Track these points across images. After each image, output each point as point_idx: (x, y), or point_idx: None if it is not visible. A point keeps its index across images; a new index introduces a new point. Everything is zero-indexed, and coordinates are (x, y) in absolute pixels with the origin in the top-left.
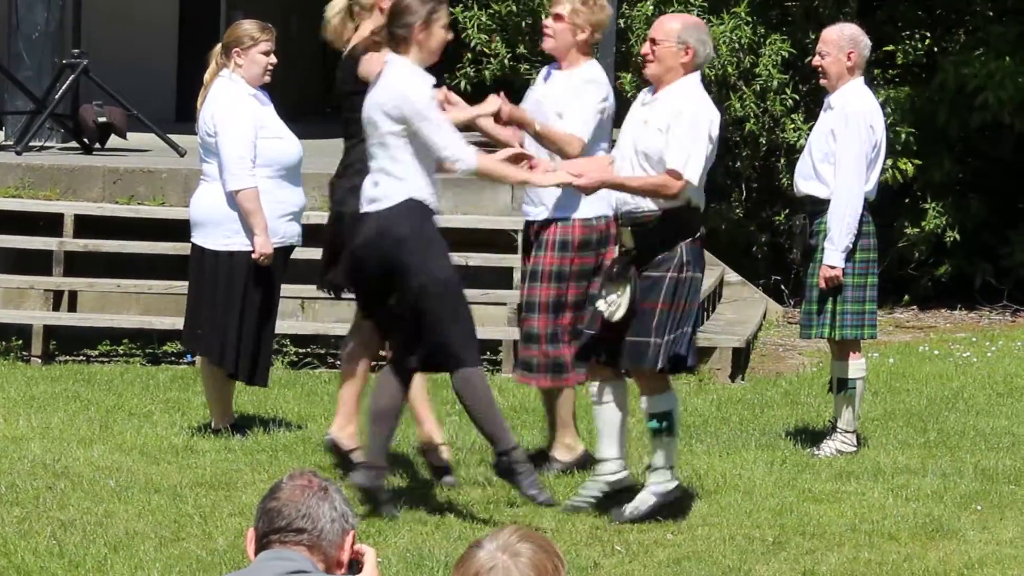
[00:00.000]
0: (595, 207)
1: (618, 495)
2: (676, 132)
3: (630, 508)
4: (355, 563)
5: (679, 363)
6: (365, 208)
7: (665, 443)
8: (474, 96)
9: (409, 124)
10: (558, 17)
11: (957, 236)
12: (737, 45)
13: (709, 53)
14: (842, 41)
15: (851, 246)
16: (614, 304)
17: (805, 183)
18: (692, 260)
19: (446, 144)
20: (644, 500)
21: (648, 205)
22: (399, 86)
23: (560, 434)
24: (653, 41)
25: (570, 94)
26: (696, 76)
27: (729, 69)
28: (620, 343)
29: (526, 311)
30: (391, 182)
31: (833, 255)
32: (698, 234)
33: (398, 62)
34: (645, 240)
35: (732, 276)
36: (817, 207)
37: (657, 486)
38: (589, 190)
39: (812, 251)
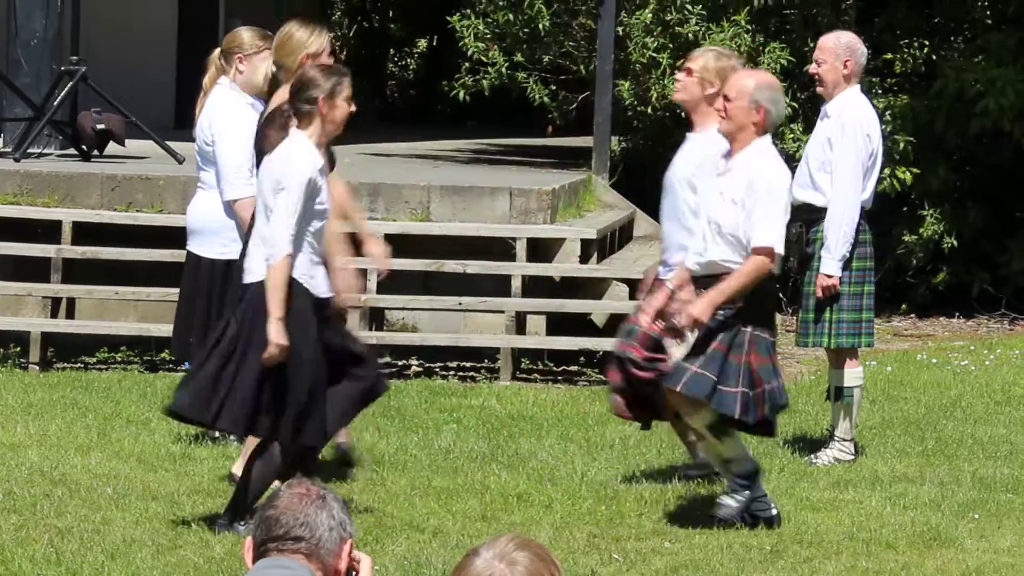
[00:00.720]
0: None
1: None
2: (757, 208)
3: (722, 512)
4: (352, 571)
5: (726, 414)
6: (244, 278)
7: (714, 447)
8: (472, 104)
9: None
10: (688, 71)
11: (955, 243)
12: (737, 53)
13: (781, 112)
14: (838, 49)
15: (848, 255)
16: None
17: (802, 191)
18: (756, 319)
19: (274, 230)
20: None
21: (721, 269)
22: (286, 158)
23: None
24: (726, 98)
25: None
26: (767, 139)
27: None
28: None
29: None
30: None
31: (830, 264)
32: (766, 294)
33: (297, 136)
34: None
35: None
36: (814, 215)
37: (735, 497)
38: (699, 321)
39: (809, 259)
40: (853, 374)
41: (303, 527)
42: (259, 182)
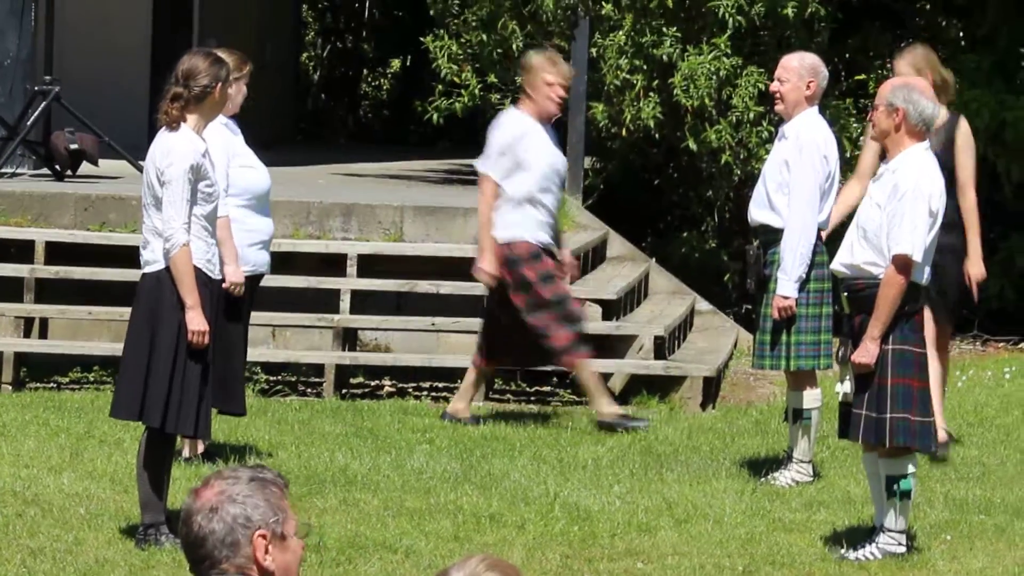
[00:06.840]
0: None
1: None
2: (896, 215)
3: (855, 556)
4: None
5: (899, 440)
6: (143, 269)
7: (896, 506)
8: (445, 124)
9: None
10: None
11: None
12: (715, 76)
13: (924, 112)
14: (802, 70)
15: (804, 276)
16: (846, 386)
17: (759, 212)
18: (901, 333)
19: (168, 218)
20: (868, 553)
21: (863, 273)
22: (167, 150)
23: None
24: (874, 107)
25: None
26: (921, 145)
27: (707, 100)
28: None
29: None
30: (160, 244)
31: (786, 285)
32: (911, 308)
33: (182, 125)
34: (859, 307)
35: (703, 305)
36: (770, 236)
37: (884, 546)
38: (870, 365)
39: (766, 281)
40: (811, 396)
41: (203, 544)
42: (144, 172)
